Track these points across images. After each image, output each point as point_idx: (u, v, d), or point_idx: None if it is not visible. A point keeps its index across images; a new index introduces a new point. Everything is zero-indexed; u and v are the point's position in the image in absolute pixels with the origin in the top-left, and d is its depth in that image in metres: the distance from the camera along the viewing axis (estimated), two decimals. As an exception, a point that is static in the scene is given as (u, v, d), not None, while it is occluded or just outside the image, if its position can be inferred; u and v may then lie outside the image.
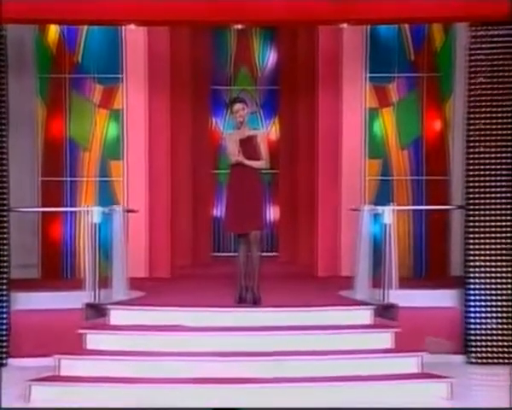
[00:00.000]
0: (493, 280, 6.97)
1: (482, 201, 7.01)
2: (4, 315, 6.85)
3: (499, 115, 6.98)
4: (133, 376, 5.91)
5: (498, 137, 6.98)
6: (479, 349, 6.96)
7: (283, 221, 10.65)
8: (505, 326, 6.94)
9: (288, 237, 10.48)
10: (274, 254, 10.59)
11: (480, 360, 6.94)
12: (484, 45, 6.99)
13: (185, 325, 6.43)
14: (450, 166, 8.98)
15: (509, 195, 6.97)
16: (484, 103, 6.99)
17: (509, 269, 6.96)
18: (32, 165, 8.97)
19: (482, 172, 7.00)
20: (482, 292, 6.98)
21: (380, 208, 7.06)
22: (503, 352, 6.92)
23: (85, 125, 9.07)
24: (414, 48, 9.04)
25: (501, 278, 6.97)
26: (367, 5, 6.76)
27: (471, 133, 7.05)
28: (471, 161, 7.05)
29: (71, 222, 8.95)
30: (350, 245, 7.82)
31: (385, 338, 6.36)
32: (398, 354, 6.22)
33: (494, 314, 6.96)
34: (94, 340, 6.34)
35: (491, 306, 6.96)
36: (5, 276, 6.92)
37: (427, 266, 9.02)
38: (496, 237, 6.99)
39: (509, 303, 6.95)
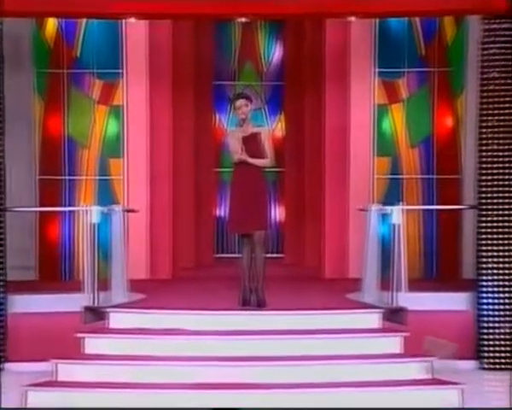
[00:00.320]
0: (507, 283, 6.95)
1: (495, 200, 6.99)
2: (1, 318, 6.86)
3: (513, 111, 6.97)
4: (133, 381, 5.89)
5: (512, 134, 6.98)
6: (491, 354, 6.94)
7: (289, 221, 10.66)
8: (519, 330, 6.93)
9: (294, 238, 10.48)
10: (279, 255, 10.59)
11: (492, 366, 6.92)
12: (497, 39, 6.96)
13: (187, 329, 6.42)
14: (462, 165, 8.97)
15: (523, 194, 6.96)
16: (497, 99, 6.97)
17: (523, 271, 6.96)
18: (29, 163, 8.99)
19: (495, 171, 6.98)
20: (495, 295, 6.95)
21: (388, 208, 7.06)
22: (517, 357, 6.91)
23: (84, 122, 9.07)
24: (424, 42, 9.03)
25: (515, 280, 6.96)
26: (376, -3, 6.77)
27: (483, 130, 7.03)
28: (484, 159, 7.03)
29: (69, 222, 8.96)
30: (358, 246, 7.81)
31: (393, 343, 6.34)
32: (407, 359, 6.19)
33: (508, 318, 6.94)
34: (93, 344, 6.34)
35: (505, 309, 6.94)
36: (1, 278, 6.93)
37: (438, 268, 9.01)
38: (510, 238, 6.97)
39: (523, 307, 6.94)
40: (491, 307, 6.95)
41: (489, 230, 7.01)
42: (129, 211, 8.02)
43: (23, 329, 6.86)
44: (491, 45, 6.98)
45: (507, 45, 6.95)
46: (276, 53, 10.84)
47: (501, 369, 6.88)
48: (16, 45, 8.57)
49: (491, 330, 6.95)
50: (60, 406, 5.71)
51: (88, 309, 6.70)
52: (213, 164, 10.66)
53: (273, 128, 10.80)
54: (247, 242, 6.78)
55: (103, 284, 7.00)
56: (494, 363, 6.93)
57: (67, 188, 9.05)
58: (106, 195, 8.97)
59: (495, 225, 6.99)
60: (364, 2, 6.82)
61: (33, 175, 9.03)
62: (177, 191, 9.56)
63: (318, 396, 5.77)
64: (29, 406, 5.76)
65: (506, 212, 6.97)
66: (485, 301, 6.98)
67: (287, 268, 10.03)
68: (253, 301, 6.75)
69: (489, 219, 7.01)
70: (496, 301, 6.95)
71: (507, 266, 6.96)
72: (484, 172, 7.03)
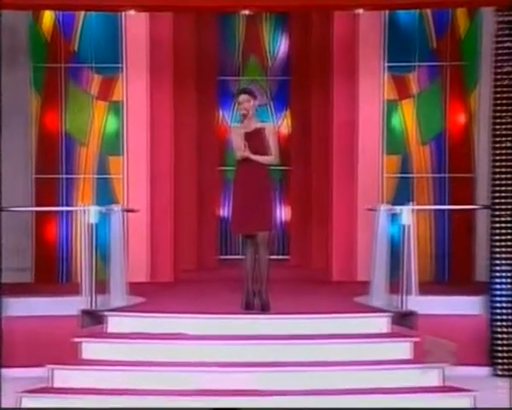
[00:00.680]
0: (521, 286, 6.94)
1: (509, 200, 6.95)
2: (-5, 322, 6.87)
3: (528, 107, 6.95)
4: (132, 388, 5.89)
5: (527, 131, 6.95)
6: (505, 361, 6.90)
7: (295, 222, 10.67)
8: (534, 336, 6.90)
9: (300, 239, 10.49)
10: (285, 257, 10.60)
11: (506, 373, 6.88)
12: (512, 32, 6.95)
13: (188, 334, 6.41)
14: (475, 163, 8.95)
15: (538, 193, 6.93)
16: (512, 94, 6.96)
17: (539, 274, 6.93)
18: (25, 161, 9.01)
19: (510, 169, 6.95)
20: (509, 299, 6.92)
21: (398, 208, 7.04)
22: (532, 364, 6.88)
23: (82, 119, 9.08)
24: (436, 34, 9.01)
25: (530, 283, 6.93)
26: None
27: (498, 127, 7.00)
28: (498, 157, 7.00)
29: (66, 222, 8.97)
30: (366, 248, 7.79)
31: (403, 348, 6.32)
32: (418, 365, 6.17)
33: (522, 323, 6.92)
34: (90, 349, 6.33)
35: (519, 314, 6.92)
36: (-4, 280, 6.94)
37: (450, 270, 8.99)
38: (524, 240, 6.95)
39: (539, 311, 6.91)
40: (504, 311, 6.91)
41: (503, 230, 6.98)
42: (128, 211, 8.03)
43: (18, 333, 6.84)
44: (506, 38, 6.95)
45: (522, 38, 6.93)
46: (282, 47, 10.85)
47: (515, 376, 6.86)
48: (12, 39, 8.58)
49: (505, 336, 6.92)
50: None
51: (85, 313, 6.69)
52: (217, 162, 10.67)
53: (279, 125, 10.80)
54: (250, 243, 6.77)
55: (101, 286, 6.99)
56: (508, 369, 6.89)
57: (65, 187, 9.06)
58: (105, 194, 8.98)
59: (509, 225, 6.96)
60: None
61: (29, 173, 9.05)
62: (179, 190, 9.57)
63: (324, 403, 5.75)
64: (24, 413, 5.78)
65: (521, 212, 6.96)
66: (498, 304, 6.95)
67: (292, 270, 10.05)
68: (256, 304, 6.75)
69: (503, 219, 6.98)
70: (510, 304, 6.91)
71: (522, 268, 6.94)
72: (498, 170, 7.00)
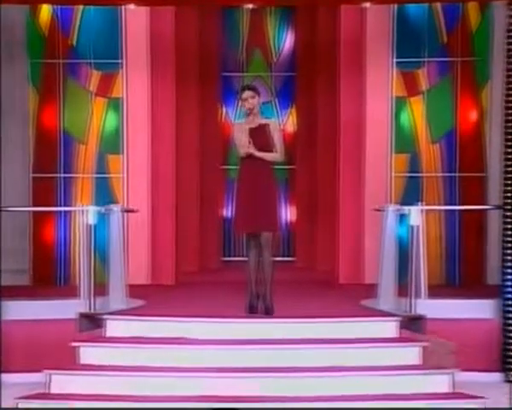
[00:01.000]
0: (535, 289, 6.92)
1: (522, 200, 6.95)
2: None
3: (542, 104, 6.93)
4: (131, 394, 5.90)
5: (541, 129, 6.94)
6: (518, 366, 6.89)
7: (300, 222, 10.66)
8: (548, 341, 6.88)
9: (306, 240, 10.48)
10: (290, 258, 10.59)
11: (519, 379, 6.89)
12: (525, 26, 6.93)
13: (190, 338, 6.41)
14: (487, 162, 8.94)
15: (552, 193, 6.91)
16: (525, 91, 6.94)
17: (553, 277, 6.91)
18: (22, 160, 9.03)
19: (522, 168, 6.95)
20: (522, 302, 6.92)
21: (407, 208, 7.03)
22: (546, 370, 6.86)
23: (81, 116, 9.10)
24: (446, 29, 9.00)
25: (543, 286, 6.91)
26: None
27: (510, 124, 6.99)
28: (510, 156, 6.99)
29: (65, 223, 8.99)
30: (374, 249, 7.78)
31: (412, 353, 6.33)
32: (427, 370, 6.17)
33: (536, 327, 6.90)
34: (88, 354, 6.34)
35: (533, 318, 6.91)
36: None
37: (460, 272, 8.98)
38: (538, 241, 6.93)
39: (553, 315, 6.89)
40: (517, 315, 6.91)
41: (516, 231, 6.97)
42: (128, 211, 8.04)
43: (15, 337, 6.83)
44: (519, 33, 6.95)
45: (535, 33, 6.91)
46: (287, 42, 10.84)
47: (528, 382, 6.84)
48: (9, 34, 8.59)
49: (517, 340, 6.91)
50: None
51: (84, 316, 6.70)
52: (220, 161, 10.67)
53: (284, 122, 10.80)
54: (253, 243, 6.76)
55: (100, 289, 7.00)
56: (521, 375, 6.90)
57: (63, 186, 9.08)
58: (104, 194, 8.99)
59: (522, 226, 6.96)
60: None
61: (27, 172, 9.06)
62: (181, 190, 9.56)
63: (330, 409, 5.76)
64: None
65: (534, 212, 6.94)
66: (511, 308, 6.93)
67: (298, 272, 10.05)
68: (260, 307, 6.74)
69: (515, 220, 6.97)
70: (523, 308, 6.91)
71: (535, 270, 6.92)
72: (510, 169, 6.98)
